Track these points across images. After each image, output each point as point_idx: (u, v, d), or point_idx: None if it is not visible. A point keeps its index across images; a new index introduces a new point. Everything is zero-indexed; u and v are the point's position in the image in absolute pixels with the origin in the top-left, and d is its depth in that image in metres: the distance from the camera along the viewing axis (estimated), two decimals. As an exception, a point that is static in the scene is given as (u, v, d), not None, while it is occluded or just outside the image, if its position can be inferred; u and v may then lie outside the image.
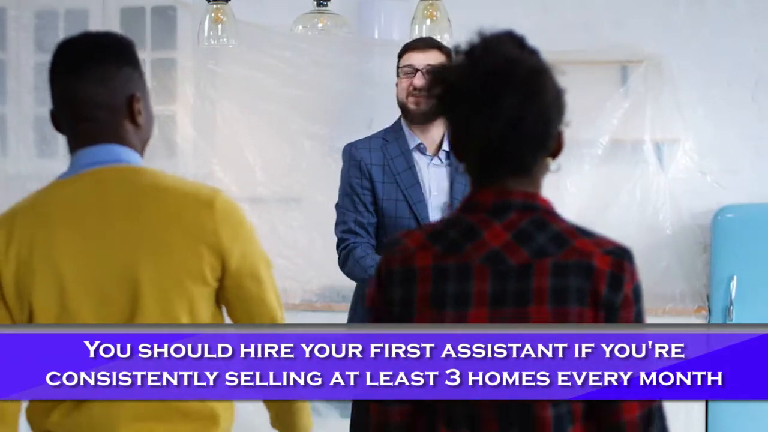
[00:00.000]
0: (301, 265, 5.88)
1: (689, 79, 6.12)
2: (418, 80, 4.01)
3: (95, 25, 6.32)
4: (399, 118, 4.17)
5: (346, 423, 4.32)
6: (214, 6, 4.60)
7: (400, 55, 4.13)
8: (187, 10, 6.17)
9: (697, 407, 5.77)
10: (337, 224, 4.13)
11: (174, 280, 2.45)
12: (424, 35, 4.42)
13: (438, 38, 4.38)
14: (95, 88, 2.44)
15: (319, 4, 4.64)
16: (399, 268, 2.12)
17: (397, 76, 4.12)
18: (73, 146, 2.59)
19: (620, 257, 2.10)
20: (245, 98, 6.04)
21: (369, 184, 4.03)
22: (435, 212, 4.06)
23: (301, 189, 5.94)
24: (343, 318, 4.48)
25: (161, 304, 2.47)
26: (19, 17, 6.37)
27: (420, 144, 4.08)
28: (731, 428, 5.72)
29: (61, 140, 6.31)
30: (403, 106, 4.10)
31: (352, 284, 4.32)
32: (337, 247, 4.12)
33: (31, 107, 6.38)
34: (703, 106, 6.14)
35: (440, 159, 4.11)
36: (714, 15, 6.19)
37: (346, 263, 4.06)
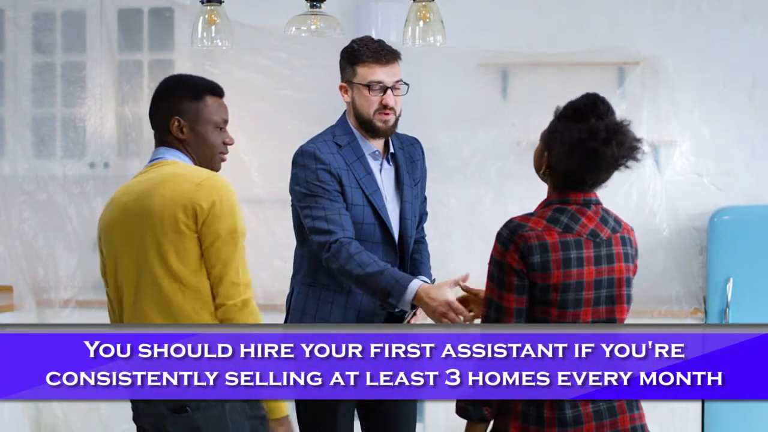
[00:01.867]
0: (298, 267, 5.89)
1: (685, 81, 6.13)
2: (390, 99, 3.92)
3: (92, 26, 6.32)
4: (345, 121, 4.04)
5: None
6: (208, 8, 4.60)
7: (355, 63, 3.95)
8: (184, 11, 6.18)
9: (694, 408, 5.78)
10: (313, 218, 3.90)
11: (165, 231, 3.31)
12: (417, 37, 4.38)
13: (431, 40, 4.35)
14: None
15: (312, 6, 4.63)
16: (536, 242, 3.14)
17: (349, 83, 3.97)
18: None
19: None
20: (241, 99, 6.04)
21: (341, 187, 3.91)
22: (393, 213, 4.00)
23: (297, 190, 5.94)
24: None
25: (156, 246, 3.32)
26: (16, 18, 6.36)
27: (375, 151, 4.00)
28: (727, 429, 5.72)
29: (58, 142, 6.36)
30: (368, 122, 3.95)
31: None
32: (320, 240, 3.88)
33: (28, 108, 6.38)
34: (699, 107, 6.15)
35: (388, 162, 4.06)
36: (710, 16, 6.19)
37: (338, 257, 3.82)
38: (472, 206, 6.21)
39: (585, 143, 3.16)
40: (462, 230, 6.14)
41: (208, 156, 3.48)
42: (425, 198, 4.27)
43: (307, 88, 6.07)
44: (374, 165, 4.00)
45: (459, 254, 6.04)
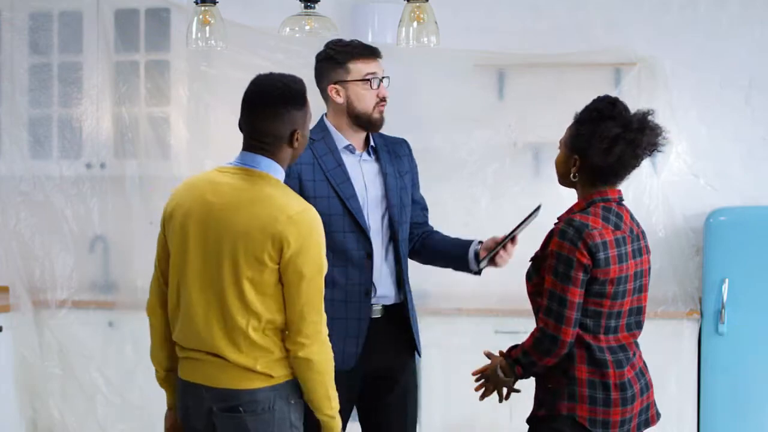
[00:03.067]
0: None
1: (682, 82, 6.13)
2: (385, 90, 4.05)
3: (89, 27, 6.32)
4: (322, 119, 4.14)
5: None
6: (202, 8, 4.59)
7: (346, 61, 4.03)
8: (180, 12, 6.17)
9: (690, 408, 5.79)
10: None
11: (247, 255, 3.33)
12: (411, 38, 4.39)
13: (425, 41, 4.37)
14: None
15: (306, 7, 4.63)
16: (600, 240, 3.44)
17: (341, 83, 4.03)
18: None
19: None
20: (238, 100, 6.02)
21: (298, 183, 3.97)
22: (373, 203, 4.08)
23: (294, 190, 5.94)
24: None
25: (233, 265, 3.35)
26: (13, 19, 6.36)
27: (349, 145, 4.08)
28: (723, 428, 5.73)
29: (54, 142, 6.36)
30: (368, 116, 4.05)
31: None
32: None
33: (25, 109, 6.38)
34: (696, 108, 6.16)
35: (369, 155, 4.14)
36: (706, 17, 6.20)
37: None
38: (468, 206, 6.22)
39: (622, 135, 3.47)
40: (458, 230, 6.11)
41: None
42: (421, 195, 4.37)
43: (303, 88, 6.07)
44: (350, 158, 4.09)
45: (455, 255, 6.05)
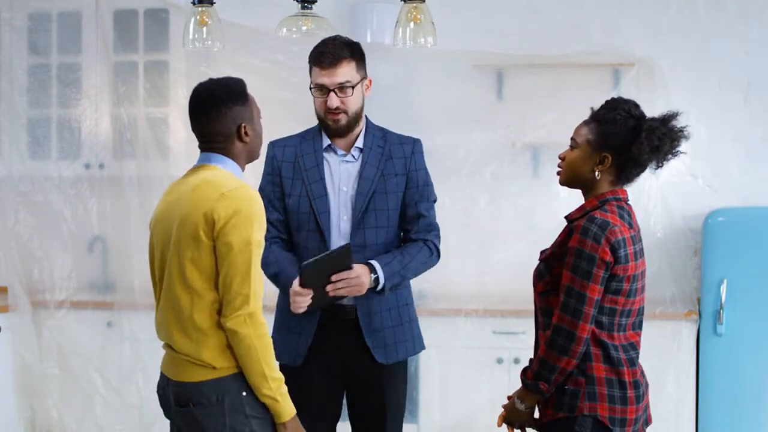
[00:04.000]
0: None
1: (681, 82, 6.13)
2: (333, 101, 4.05)
3: (88, 27, 6.32)
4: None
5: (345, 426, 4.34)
6: (199, 9, 4.58)
7: (310, 64, 4.12)
8: (179, 12, 6.17)
9: (688, 409, 5.78)
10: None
11: (186, 237, 3.41)
12: (408, 38, 4.39)
13: (422, 41, 4.36)
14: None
15: (303, 7, 4.62)
16: (620, 237, 3.47)
17: (310, 87, 4.12)
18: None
19: None
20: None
21: (278, 180, 4.13)
22: (345, 205, 4.11)
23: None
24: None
25: (177, 252, 3.43)
26: (12, 19, 6.36)
27: (330, 144, 4.14)
28: (722, 430, 5.72)
29: (53, 143, 6.36)
30: (322, 121, 4.14)
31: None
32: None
33: (24, 109, 6.38)
34: (694, 109, 6.14)
35: (353, 156, 4.16)
36: (705, 18, 6.20)
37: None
38: (467, 207, 6.22)
39: (652, 132, 3.53)
40: (457, 231, 6.15)
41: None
42: (427, 208, 4.30)
43: (303, 89, 6.05)
44: (332, 158, 4.14)
45: (454, 255, 6.05)
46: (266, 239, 3.67)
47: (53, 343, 6.23)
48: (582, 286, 3.43)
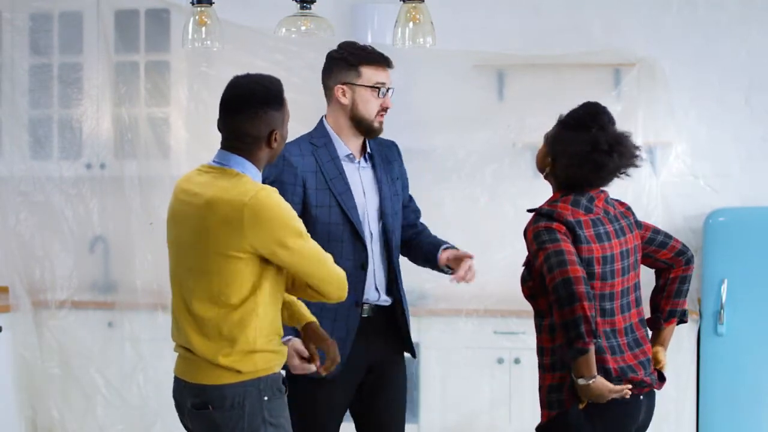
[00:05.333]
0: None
1: (681, 82, 6.14)
2: (390, 102, 4.04)
3: (89, 27, 6.32)
4: (322, 125, 4.11)
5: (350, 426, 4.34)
6: (198, 9, 4.58)
7: (360, 64, 4.01)
8: (180, 12, 6.17)
9: (689, 409, 5.78)
10: None
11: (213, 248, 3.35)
12: (407, 38, 4.39)
13: (421, 41, 4.36)
14: None
15: (302, 7, 4.62)
16: (573, 219, 3.47)
17: (349, 84, 4.01)
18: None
19: None
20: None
21: (302, 191, 3.97)
22: (374, 211, 4.06)
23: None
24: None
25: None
26: (13, 20, 6.36)
27: (350, 153, 4.06)
28: (722, 428, 5.73)
29: (54, 143, 6.36)
30: (369, 122, 4.04)
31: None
32: None
33: (25, 109, 6.39)
34: (695, 109, 6.16)
35: (366, 161, 4.12)
36: (706, 18, 6.20)
37: None
38: (467, 207, 6.22)
39: (589, 155, 3.50)
40: (457, 231, 6.13)
41: None
42: (411, 197, 4.33)
43: (303, 89, 6.05)
44: (349, 167, 4.07)
45: (455, 255, 6.05)
46: None
47: (54, 343, 6.24)
48: (562, 273, 3.39)
